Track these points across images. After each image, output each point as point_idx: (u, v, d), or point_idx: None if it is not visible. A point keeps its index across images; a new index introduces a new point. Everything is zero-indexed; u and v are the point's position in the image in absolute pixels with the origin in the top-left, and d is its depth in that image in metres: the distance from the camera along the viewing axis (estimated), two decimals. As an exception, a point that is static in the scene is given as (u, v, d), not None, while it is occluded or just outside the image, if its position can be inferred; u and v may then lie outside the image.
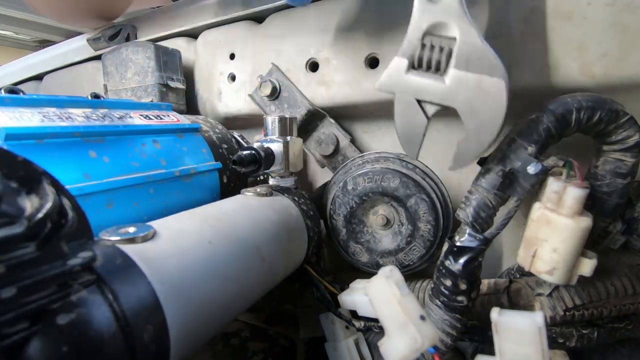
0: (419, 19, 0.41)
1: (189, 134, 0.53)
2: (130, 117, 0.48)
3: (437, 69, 0.41)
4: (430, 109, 0.42)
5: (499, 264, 0.61)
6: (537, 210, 0.35)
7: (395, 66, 0.42)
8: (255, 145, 0.51)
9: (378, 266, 0.55)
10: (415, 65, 0.41)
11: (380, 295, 0.30)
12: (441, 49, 0.40)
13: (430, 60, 0.40)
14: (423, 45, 0.40)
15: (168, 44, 0.78)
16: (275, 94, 0.64)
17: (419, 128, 0.42)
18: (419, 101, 0.42)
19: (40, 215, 0.19)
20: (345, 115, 0.66)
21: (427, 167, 0.54)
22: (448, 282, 0.37)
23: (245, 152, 0.48)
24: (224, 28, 0.74)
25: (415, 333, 0.27)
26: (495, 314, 0.27)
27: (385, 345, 0.28)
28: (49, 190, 0.20)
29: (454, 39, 0.39)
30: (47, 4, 0.84)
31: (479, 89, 0.38)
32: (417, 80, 0.41)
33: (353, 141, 0.64)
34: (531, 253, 0.35)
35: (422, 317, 0.28)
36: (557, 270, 0.34)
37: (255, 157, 0.48)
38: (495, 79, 0.38)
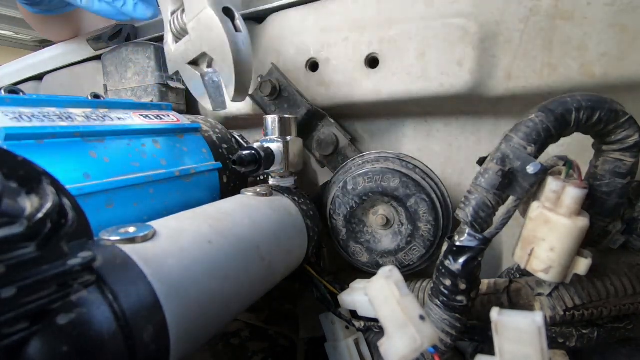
0: (163, 6, 0.51)
1: (189, 134, 0.53)
2: (131, 117, 0.48)
3: (185, 32, 0.49)
4: (202, 63, 0.51)
5: (499, 264, 0.61)
6: (536, 209, 0.35)
7: (166, 51, 0.52)
8: (255, 145, 0.51)
9: (378, 266, 0.55)
10: (176, 40, 0.51)
11: (379, 295, 0.30)
12: (178, 16, 0.49)
13: (177, 29, 0.50)
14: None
15: (168, 44, 0.78)
16: (275, 94, 0.64)
17: (200, 84, 0.50)
18: (193, 63, 0.50)
19: (40, 215, 0.19)
20: (345, 115, 0.66)
21: (427, 167, 0.54)
22: (447, 282, 0.37)
23: (245, 152, 0.48)
24: (224, 28, 0.74)
25: (415, 333, 0.27)
26: (495, 313, 0.27)
27: (385, 346, 0.28)
28: (49, 190, 0.20)
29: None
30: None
31: (202, 25, 0.46)
32: (179, 50, 0.50)
33: (353, 141, 0.64)
34: (528, 251, 0.35)
35: (422, 317, 0.28)
36: (552, 268, 0.34)
37: (255, 157, 0.48)
38: (207, 10, 0.45)
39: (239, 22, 0.47)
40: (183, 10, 0.49)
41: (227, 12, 0.46)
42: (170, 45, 0.51)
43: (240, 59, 0.46)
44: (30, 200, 0.19)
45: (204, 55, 0.49)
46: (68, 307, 0.20)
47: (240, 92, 0.48)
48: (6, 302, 0.17)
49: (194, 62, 0.50)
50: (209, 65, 0.50)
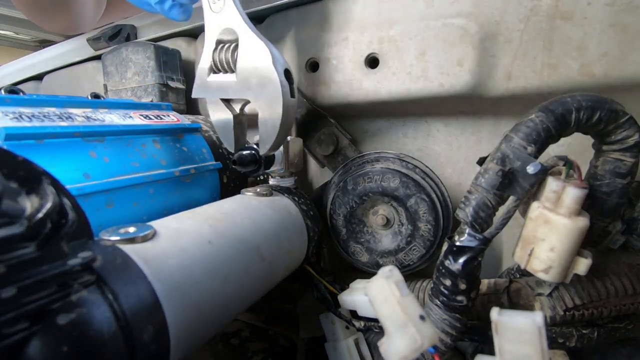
0: (209, 29, 0.48)
1: (189, 134, 0.53)
2: (131, 117, 0.48)
3: (230, 69, 0.47)
4: (236, 105, 0.49)
5: (499, 264, 0.61)
6: (536, 209, 0.35)
7: (199, 74, 0.49)
8: (255, 145, 0.51)
9: (378, 266, 0.55)
10: (215, 69, 0.48)
11: (379, 295, 0.30)
12: (228, 50, 0.47)
13: (222, 62, 0.47)
14: (216, 50, 0.47)
15: (168, 44, 0.78)
16: (275, 94, 0.64)
17: (228, 123, 0.49)
18: (225, 100, 0.49)
19: (40, 215, 0.19)
20: (345, 115, 0.66)
21: (427, 167, 0.54)
22: (447, 282, 0.37)
23: (245, 152, 0.48)
24: (224, 28, 0.74)
25: (415, 333, 0.27)
26: (495, 313, 0.27)
27: (385, 346, 0.28)
28: (49, 190, 0.20)
29: (237, 40, 0.46)
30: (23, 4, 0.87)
31: (258, 76, 0.45)
32: (217, 82, 0.48)
33: (353, 141, 0.64)
34: (528, 251, 0.35)
35: (422, 317, 0.28)
36: (552, 269, 0.34)
37: (255, 157, 0.48)
38: (266, 63, 0.44)
39: (295, 87, 0.46)
40: (235, 47, 0.46)
41: (287, 75, 0.45)
42: (206, 71, 0.49)
43: (286, 124, 0.46)
44: (30, 200, 0.19)
45: (244, 100, 0.48)
46: (68, 307, 0.20)
47: (273, 150, 0.48)
48: (6, 302, 0.17)
49: (227, 100, 0.49)
50: (242, 109, 0.50)
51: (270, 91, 0.44)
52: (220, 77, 0.48)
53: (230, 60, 0.47)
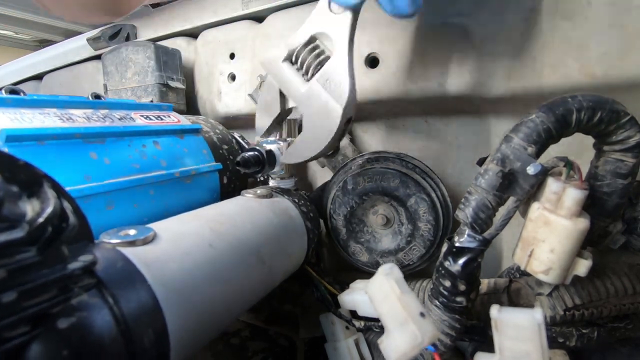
0: (313, 21, 0.46)
1: (189, 134, 0.53)
2: (131, 117, 0.48)
3: (306, 73, 0.46)
4: (289, 104, 0.49)
5: (499, 264, 0.61)
6: (536, 210, 0.35)
7: (275, 56, 0.48)
8: (257, 146, 0.51)
9: (378, 266, 0.55)
10: (293, 59, 0.47)
11: (380, 292, 0.30)
12: (316, 57, 0.46)
13: (304, 63, 0.46)
14: (306, 46, 0.46)
15: (168, 43, 0.77)
16: (275, 94, 0.64)
17: (272, 113, 0.49)
18: (282, 95, 0.48)
19: (41, 219, 0.19)
20: (345, 115, 0.66)
21: (427, 166, 0.54)
22: (447, 283, 0.37)
23: (249, 154, 0.48)
24: (224, 28, 0.74)
25: (415, 330, 0.27)
26: (495, 311, 0.27)
27: (385, 343, 0.28)
28: (50, 194, 0.20)
29: (329, 57, 0.45)
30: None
31: (324, 106, 0.44)
32: (286, 73, 0.47)
33: (353, 141, 0.64)
34: (528, 252, 0.35)
35: (422, 314, 0.28)
36: (552, 270, 0.34)
37: (258, 158, 0.49)
38: (337, 106, 0.43)
39: (347, 133, 0.47)
40: (324, 60, 0.45)
41: (347, 123, 0.45)
42: (282, 53, 0.47)
43: (319, 155, 0.47)
44: (31, 204, 0.19)
45: (297, 110, 0.47)
46: (68, 311, 0.20)
47: (290, 161, 0.49)
48: (7, 306, 0.17)
49: (283, 95, 0.48)
50: (289, 111, 0.50)
51: (325, 127, 0.44)
52: (293, 74, 0.46)
53: (312, 69, 0.45)
